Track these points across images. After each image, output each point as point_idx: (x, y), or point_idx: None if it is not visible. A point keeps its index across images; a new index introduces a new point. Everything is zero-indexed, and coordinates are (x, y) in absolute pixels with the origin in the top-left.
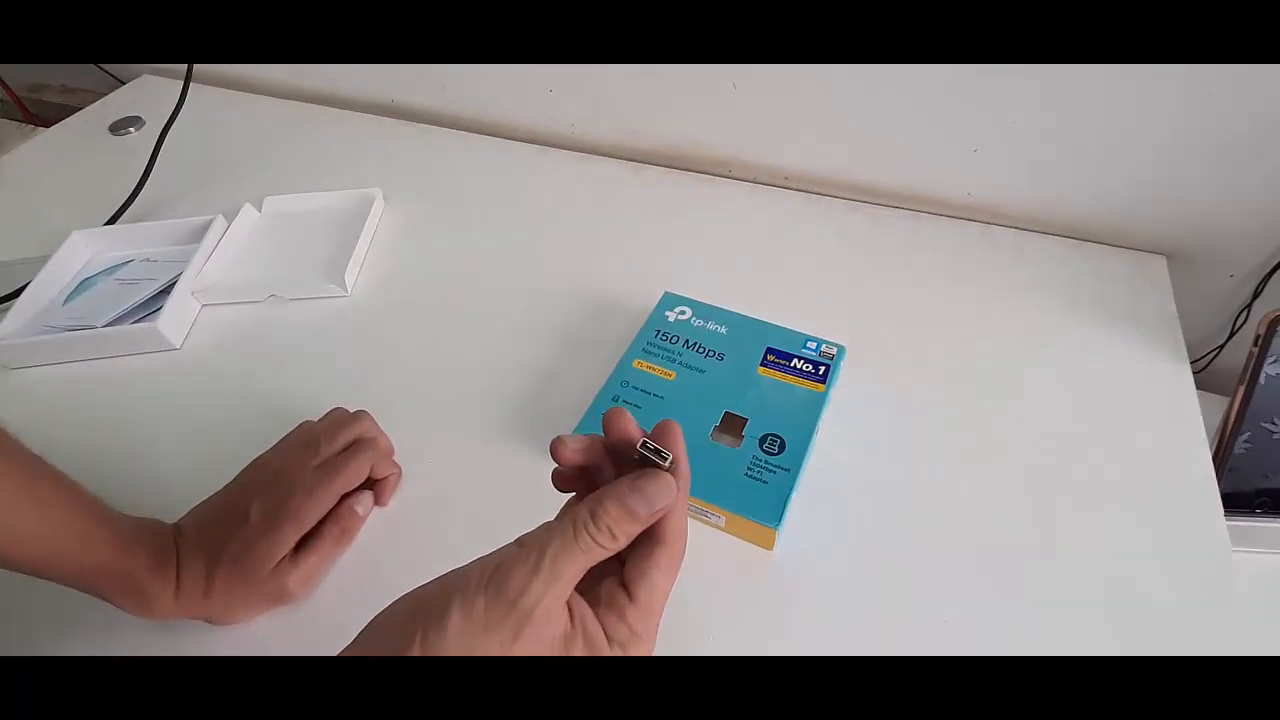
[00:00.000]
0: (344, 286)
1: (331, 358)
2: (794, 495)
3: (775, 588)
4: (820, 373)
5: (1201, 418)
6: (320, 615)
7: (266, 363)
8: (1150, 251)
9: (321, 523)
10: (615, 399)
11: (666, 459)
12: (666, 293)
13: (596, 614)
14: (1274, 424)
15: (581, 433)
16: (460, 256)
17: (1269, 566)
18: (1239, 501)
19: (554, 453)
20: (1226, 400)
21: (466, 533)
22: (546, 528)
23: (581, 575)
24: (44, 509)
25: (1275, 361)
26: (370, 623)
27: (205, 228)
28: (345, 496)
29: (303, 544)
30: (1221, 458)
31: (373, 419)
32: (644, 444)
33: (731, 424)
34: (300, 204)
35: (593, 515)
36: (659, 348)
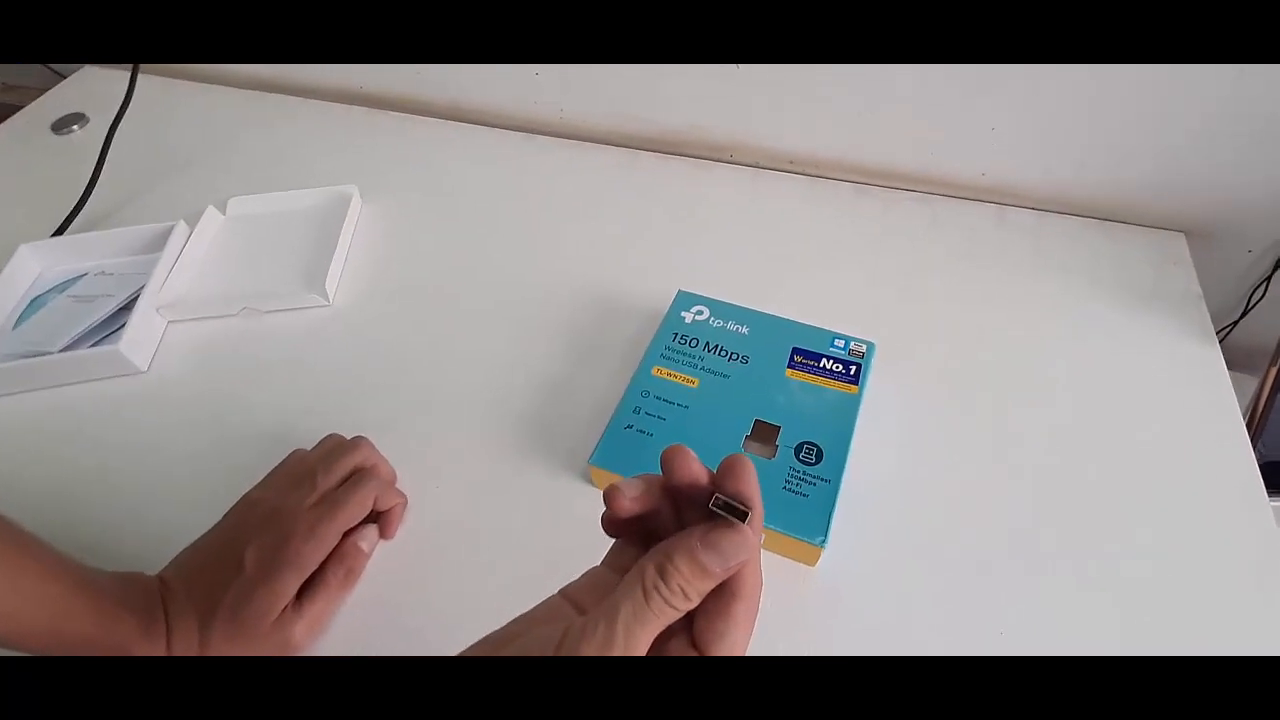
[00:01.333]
0: (325, 295)
1: (317, 375)
2: (836, 508)
3: (822, 606)
4: (851, 373)
5: (1236, 399)
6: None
7: (245, 384)
8: (1170, 229)
9: (324, 564)
10: (637, 411)
11: (744, 516)
12: (681, 291)
13: None
14: None
15: (605, 451)
16: (450, 256)
17: None
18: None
19: (610, 503)
20: (1244, 376)
21: (483, 562)
22: (611, 592)
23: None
24: (12, 583)
25: None
26: None
27: (166, 235)
28: (348, 533)
29: (305, 588)
30: (1255, 435)
31: (371, 444)
32: (716, 500)
33: (764, 433)
34: (269, 205)
35: (662, 575)
36: (678, 352)
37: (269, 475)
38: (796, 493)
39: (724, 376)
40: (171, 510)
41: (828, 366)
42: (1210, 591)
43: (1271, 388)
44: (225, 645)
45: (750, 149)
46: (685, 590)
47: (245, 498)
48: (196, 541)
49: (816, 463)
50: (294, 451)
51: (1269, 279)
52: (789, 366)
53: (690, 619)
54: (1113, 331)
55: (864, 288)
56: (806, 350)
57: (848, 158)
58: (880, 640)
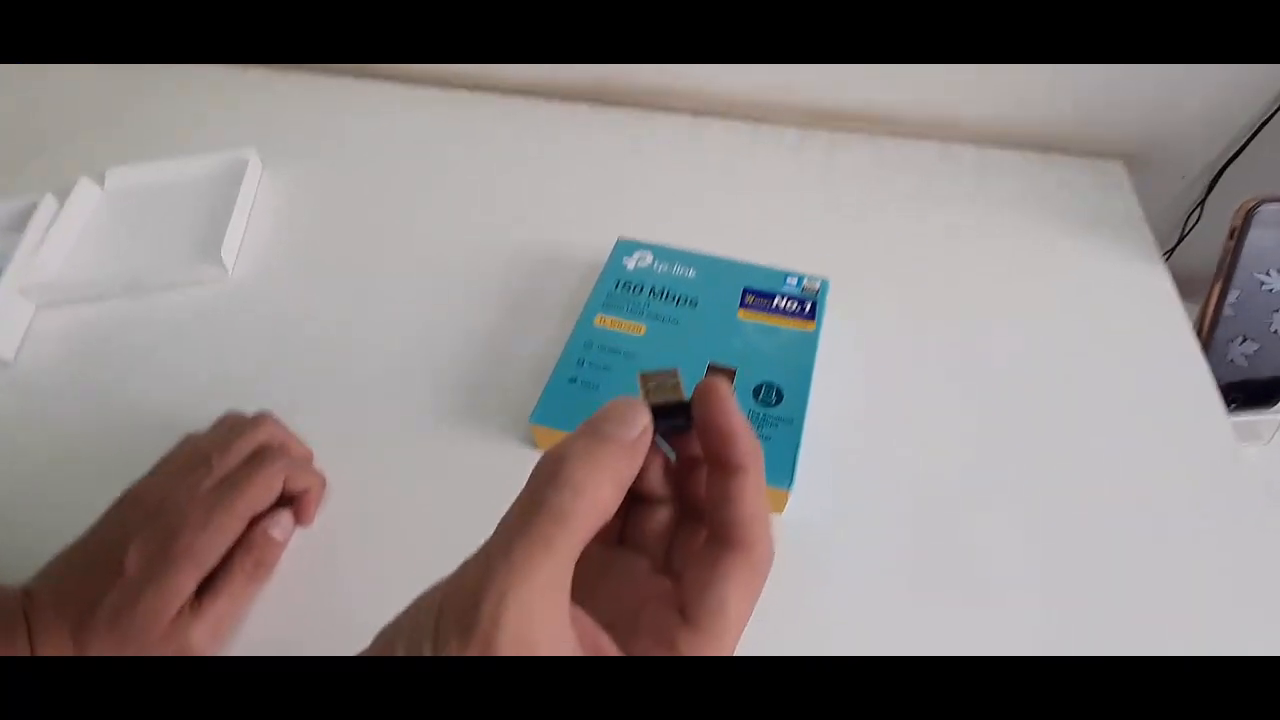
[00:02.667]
0: (223, 266)
1: (216, 356)
2: (801, 449)
3: (791, 556)
4: (807, 310)
5: (1187, 318)
6: None
7: (131, 371)
8: (1108, 157)
9: (229, 556)
10: (581, 363)
11: (686, 411)
12: (620, 239)
13: (630, 646)
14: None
15: (548, 407)
16: (366, 219)
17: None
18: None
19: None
20: (1185, 304)
21: (416, 545)
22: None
23: (568, 570)
24: None
25: (1254, 258)
26: None
27: (30, 211)
28: (256, 519)
29: (206, 585)
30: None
31: (277, 420)
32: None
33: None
34: (156, 174)
35: (554, 463)
36: (623, 300)
37: (157, 465)
38: (759, 435)
39: (673, 322)
40: (45, 517)
41: (782, 305)
42: (1177, 508)
43: (1215, 305)
44: (108, 654)
45: (686, 94)
46: (582, 485)
47: (128, 491)
48: (70, 546)
49: (777, 403)
50: (186, 436)
51: (1203, 203)
52: (741, 307)
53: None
54: (1062, 258)
55: (814, 230)
56: (759, 290)
57: (788, 100)
58: (856, 587)
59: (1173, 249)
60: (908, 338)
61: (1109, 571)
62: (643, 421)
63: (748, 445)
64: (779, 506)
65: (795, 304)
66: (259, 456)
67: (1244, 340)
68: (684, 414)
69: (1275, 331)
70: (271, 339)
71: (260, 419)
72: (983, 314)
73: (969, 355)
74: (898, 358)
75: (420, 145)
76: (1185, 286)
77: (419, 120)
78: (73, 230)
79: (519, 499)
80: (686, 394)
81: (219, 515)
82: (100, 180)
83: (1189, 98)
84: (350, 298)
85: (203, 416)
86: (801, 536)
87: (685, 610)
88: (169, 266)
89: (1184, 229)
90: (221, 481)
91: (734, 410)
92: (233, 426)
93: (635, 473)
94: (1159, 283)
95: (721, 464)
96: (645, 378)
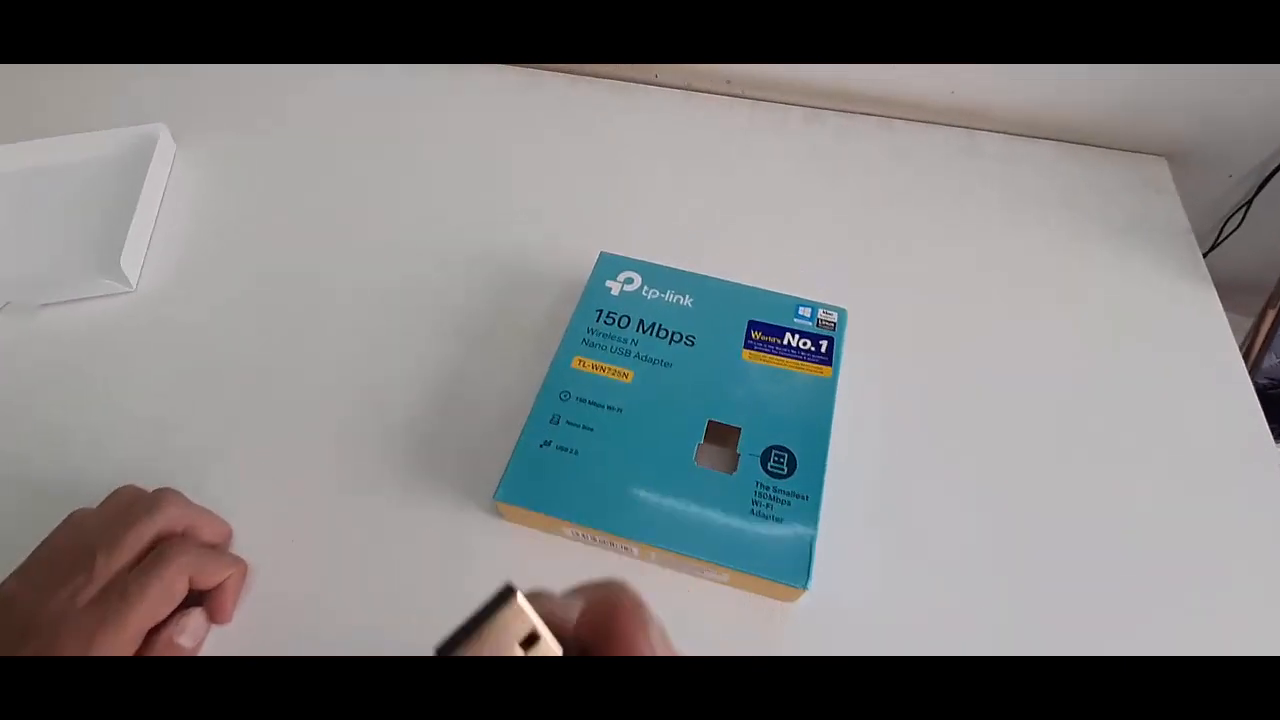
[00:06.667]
0: (125, 279)
1: (114, 390)
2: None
3: (804, 650)
4: (822, 350)
5: (1235, 343)
6: None
7: (4, 408)
8: (1150, 153)
9: None
10: (555, 420)
11: None
12: (604, 254)
13: None
14: None
15: (516, 481)
16: (301, 217)
17: None
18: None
19: None
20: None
21: (359, 642)
22: None
23: None
24: None
25: None
26: None
27: None
28: (157, 629)
29: None
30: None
31: (180, 497)
32: None
33: (721, 437)
34: (37, 156)
35: None
36: (605, 336)
37: (28, 560)
38: (768, 516)
39: (665, 365)
40: None
41: (793, 344)
42: (1225, 539)
43: (1271, 328)
44: None
45: (680, 67)
46: None
47: None
48: None
49: (789, 474)
50: (70, 516)
51: (1249, 204)
52: (746, 346)
53: None
54: (1099, 268)
55: (821, 231)
56: (766, 324)
57: (796, 76)
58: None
59: (1206, 253)
60: (929, 365)
61: (1154, 620)
62: None
63: None
64: (790, 597)
65: (809, 342)
66: (158, 551)
67: None
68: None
69: None
70: (183, 369)
71: (160, 499)
72: (1012, 335)
73: (999, 385)
74: (919, 392)
75: (364, 124)
76: (1220, 293)
77: (371, 92)
78: None
79: None
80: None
81: (104, 636)
82: None
83: (1244, 93)
84: (277, 318)
85: (92, 473)
86: (817, 628)
87: None
88: (58, 277)
89: (1221, 232)
90: (108, 588)
91: None
92: (123, 511)
93: None
94: (1205, 303)
95: None
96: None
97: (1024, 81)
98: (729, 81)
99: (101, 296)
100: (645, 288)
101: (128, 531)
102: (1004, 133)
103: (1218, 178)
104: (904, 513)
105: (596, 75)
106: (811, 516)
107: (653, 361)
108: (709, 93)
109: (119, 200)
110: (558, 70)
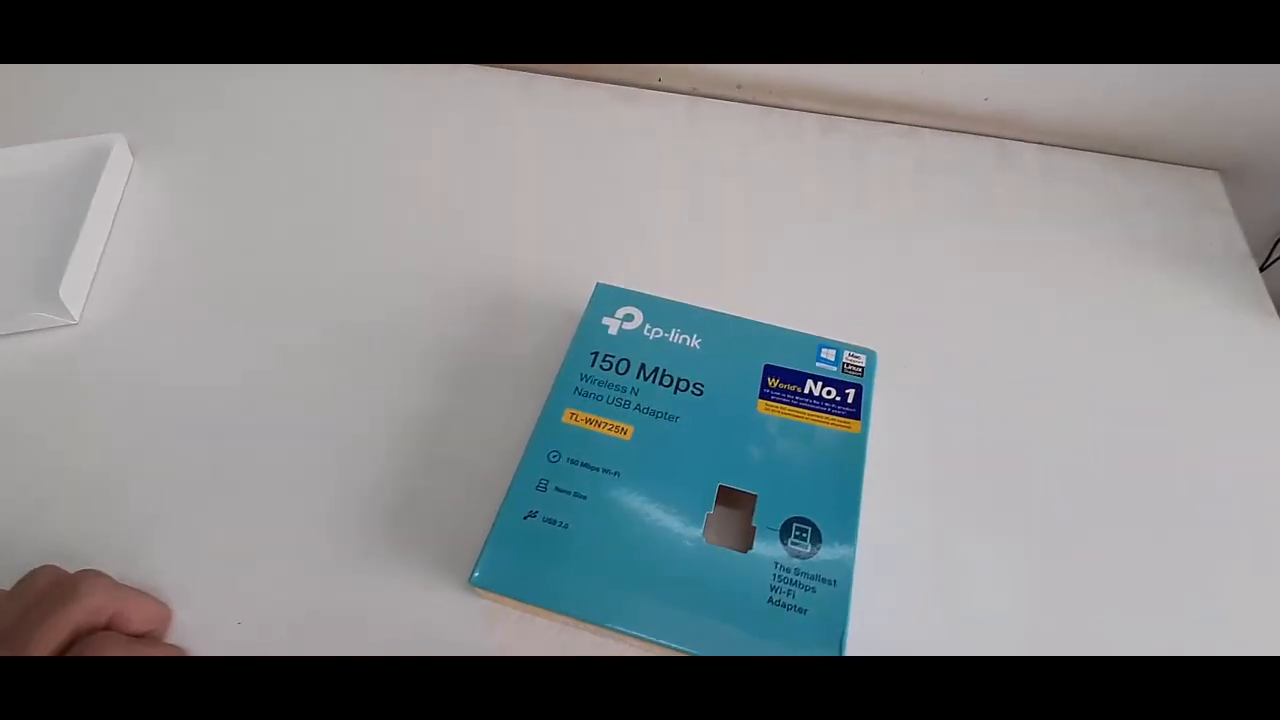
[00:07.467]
0: (64, 310)
1: (48, 438)
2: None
3: None
4: (850, 400)
5: None
6: None
7: None
8: (1201, 167)
9: None
10: (542, 487)
11: None
12: (600, 285)
13: None
14: None
15: (495, 561)
16: (268, 241)
17: None
18: None
19: None
20: None
21: None
22: None
23: None
24: None
25: None
26: None
27: None
28: None
29: None
30: None
31: (105, 580)
32: None
33: (734, 506)
34: None
35: None
36: (601, 384)
37: None
38: (789, 606)
39: (669, 419)
40: None
41: (816, 392)
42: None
43: None
44: None
45: (685, 70)
46: None
47: None
48: None
49: (814, 552)
50: None
51: None
52: (762, 396)
53: None
54: (1152, 300)
55: (844, 260)
56: (785, 369)
57: (811, 80)
58: None
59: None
60: (965, 413)
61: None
62: None
63: None
64: None
65: (833, 391)
66: (80, 646)
67: None
68: None
69: None
70: (127, 416)
71: (81, 584)
72: (1056, 378)
73: (1044, 436)
74: (953, 445)
75: (336, 133)
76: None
77: (335, 97)
78: None
79: None
80: None
81: None
82: None
83: None
84: (235, 360)
85: (17, 539)
86: None
87: None
88: None
89: (1271, 252)
90: None
91: None
92: (38, 600)
93: None
94: (1268, 333)
95: None
96: None
97: (1063, 85)
98: (739, 86)
99: (38, 330)
100: (647, 326)
101: (39, 625)
102: (1040, 143)
103: (1271, 193)
104: (953, 597)
105: (595, 78)
106: (841, 608)
107: (655, 414)
108: (717, 99)
109: (64, 221)
110: (552, 72)
